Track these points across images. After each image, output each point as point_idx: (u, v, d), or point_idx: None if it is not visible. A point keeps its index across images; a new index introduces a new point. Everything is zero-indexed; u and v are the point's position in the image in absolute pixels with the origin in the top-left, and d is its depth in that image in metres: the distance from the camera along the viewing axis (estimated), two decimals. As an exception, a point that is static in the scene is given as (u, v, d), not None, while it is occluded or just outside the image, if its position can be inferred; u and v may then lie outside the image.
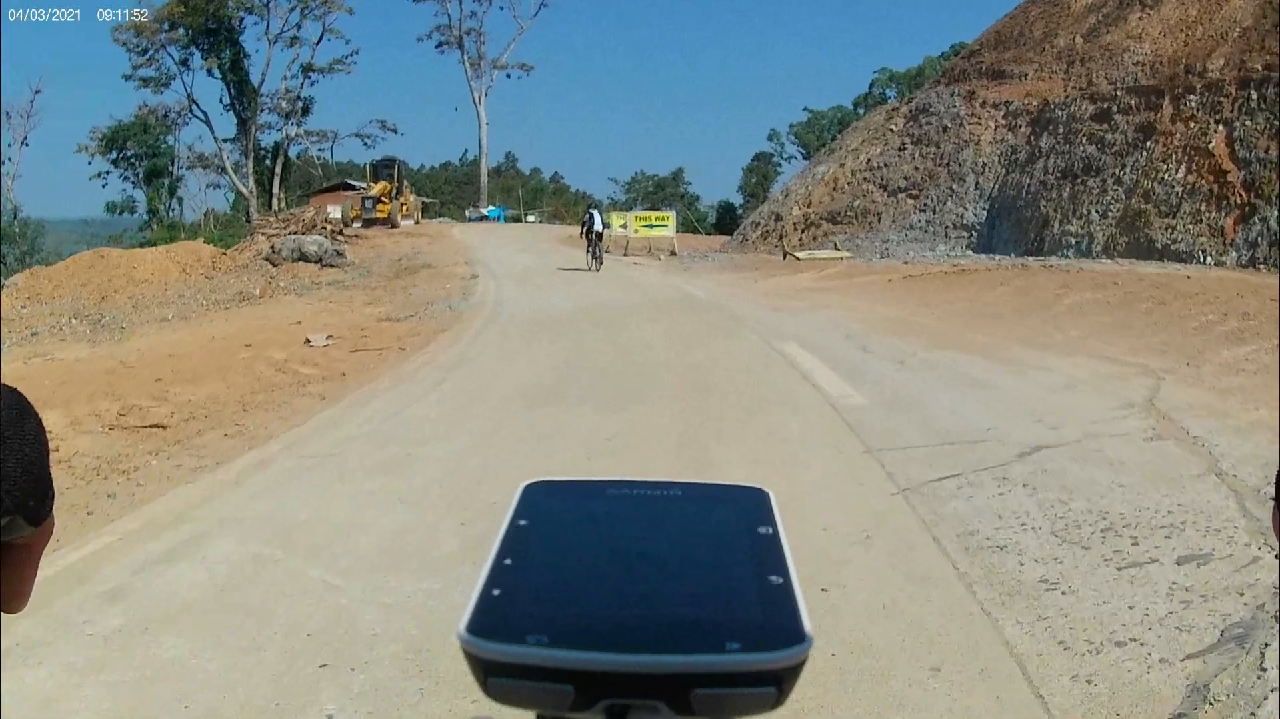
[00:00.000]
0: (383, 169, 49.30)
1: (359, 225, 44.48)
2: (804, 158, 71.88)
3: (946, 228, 30.12)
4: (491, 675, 0.49)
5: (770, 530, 0.60)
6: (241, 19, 63.88)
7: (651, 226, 35.96)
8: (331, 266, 30.60)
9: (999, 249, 26.80)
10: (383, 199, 46.60)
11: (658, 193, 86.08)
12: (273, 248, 32.71)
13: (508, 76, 74.95)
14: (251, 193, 64.78)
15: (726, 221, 67.31)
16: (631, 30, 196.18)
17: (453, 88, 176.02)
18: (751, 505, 0.63)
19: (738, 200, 78.60)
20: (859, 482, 6.75)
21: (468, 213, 68.04)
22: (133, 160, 62.77)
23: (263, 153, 67.45)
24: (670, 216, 37.61)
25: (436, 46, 72.55)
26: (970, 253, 27.31)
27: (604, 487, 0.65)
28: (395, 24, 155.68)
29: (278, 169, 66.35)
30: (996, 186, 29.39)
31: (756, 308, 18.25)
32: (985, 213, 29.33)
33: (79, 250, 37.63)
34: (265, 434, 9.27)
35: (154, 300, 26.97)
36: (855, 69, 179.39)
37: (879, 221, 32.26)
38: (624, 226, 35.78)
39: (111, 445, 8.92)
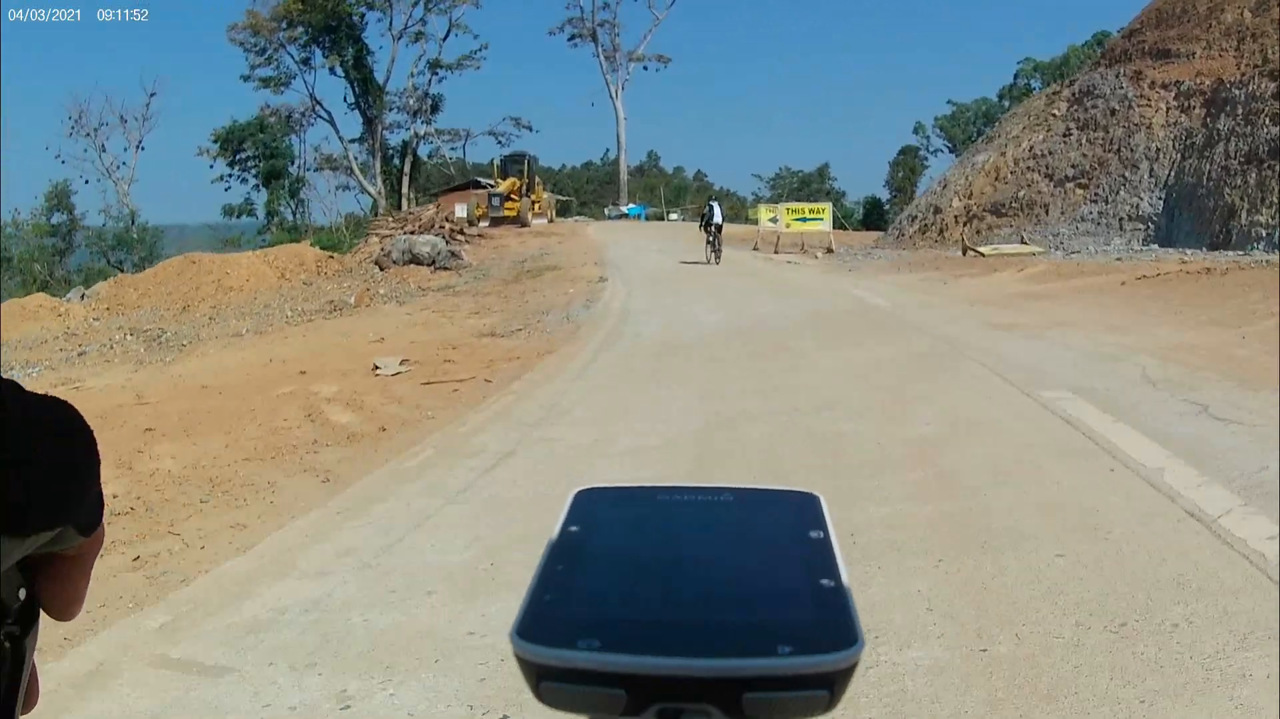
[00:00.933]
0: (512, 165, 45.31)
1: (486, 224, 40.59)
2: (950, 150, 71.78)
3: (1120, 219, 27.76)
4: (544, 680, 0.48)
5: (822, 535, 0.58)
6: (363, 14, 60.74)
7: (805, 220, 31.21)
8: (445, 269, 26.50)
9: (1180, 242, 24.88)
10: (512, 196, 42.53)
11: (803, 189, 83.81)
12: (383, 250, 28.79)
13: (644, 69, 70.46)
14: (380, 193, 61.71)
15: (874, 217, 65.29)
16: (770, 22, 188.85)
17: (589, 82, 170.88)
18: (803, 509, 0.61)
19: (884, 195, 76.09)
20: None
21: (607, 211, 64.11)
22: (250, 162, 60.12)
23: (390, 152, 64.37)
24: (826, 209, 32.65)
25: (569, 39, 68.61)
26: (1155, 246, 25.20)
27: (655, 492, 0.64)
28: (525, 18, 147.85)
29: (406, 168, 63.10)
30: (1173, 173, 27.33)
31: (969, 325, 12.95)
32: (1161, 203, 27.27)
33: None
34: (133, 599, 4.78)
35: (237, 310, 23.18)
36: (998, 60, 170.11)
37: (1046, 213, 29.89)
38: (774, 220, 31.12)
39: None
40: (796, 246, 29.74)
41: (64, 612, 0.56)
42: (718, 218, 26.81)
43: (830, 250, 28.72)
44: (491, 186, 43.88)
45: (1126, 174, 28.55)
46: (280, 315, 21.11)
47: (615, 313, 16.17)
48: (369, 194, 62.80)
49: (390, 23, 61.61)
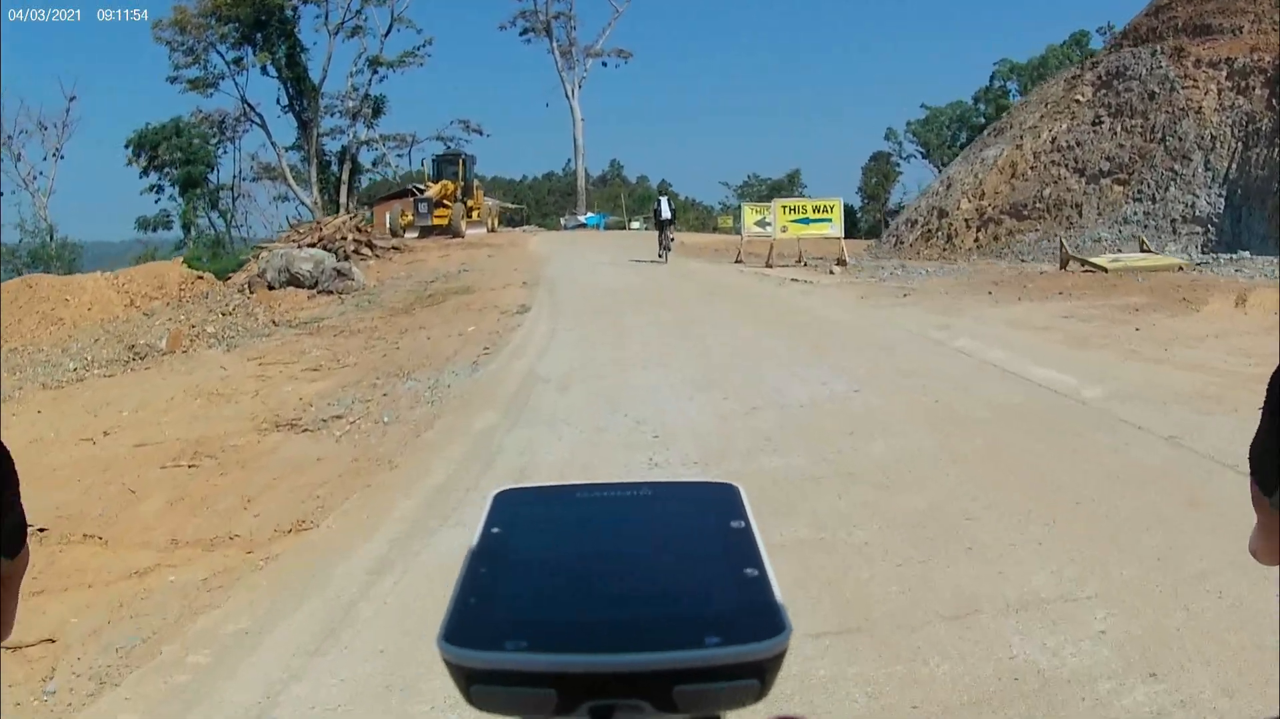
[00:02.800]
0: (445, 166, 38.57)
1: (415, 235, 34.12)
2: (923, 156, 70.31)
3: (1173, 221, 23.31)
4: (474, 683, 0.47)
5: (743, 524, 0.57)
6: (295, 7, 53.74)
7: (807, 221, 23.58)
8: (328, 293, 19.97)
9: (1251, 246, 20.85)
10: (444, 202, 35.86)
11: (772, 197, 78.02)
12: (259, 269, 22.23)
13: (604, 65, 63.51)
14: (316, 203, 54.80)
15: (847, 224, 58.54)
16: (732, 19, 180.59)
17: (545, 81, 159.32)
18: (722, 500, 0.60)
19: (856, 202, 72.66)
20: None
21: (564, 220, 57.61)
22: (168, 169, 52.90)
23: (328, 159, 57.49)
24: (835, 206, 24.30)
25: (521, 34, 61.65)
26: (1228, 254, 20.48)
27: (574, 490, 0.62)
28: (473, 12, 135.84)
29: (345, 176, 56.20)
30: (1234, 166, 23.08)
31: None
32: (1223, 200, 22.93)
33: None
34: None
35: (29, 356, 16.60)
36: (972, 63, 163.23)
37: (1079, 214, 25.42)
38: (764, 224, 24.32)
39: None
40: (794, 257, 23.43)
41: None
42: (666, 213, 25.10)
43: (843, 263, 22.07)
44: (420, 192, 37.13)
45: (1176, 167, 23.92)
46: (65, 367, 14.59)
47: (515, 380, 9.53)
48: (305, 205, 55.95)
49: (326, 17, 54.85)
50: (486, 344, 11.57)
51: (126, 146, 51.89)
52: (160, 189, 53.06)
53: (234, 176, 57.39)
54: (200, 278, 23.91)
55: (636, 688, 0.45)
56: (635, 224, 58.97)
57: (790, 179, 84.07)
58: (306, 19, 55.76)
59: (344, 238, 25.53)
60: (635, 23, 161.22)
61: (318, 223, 29.08)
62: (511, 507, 0.60)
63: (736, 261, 23.78)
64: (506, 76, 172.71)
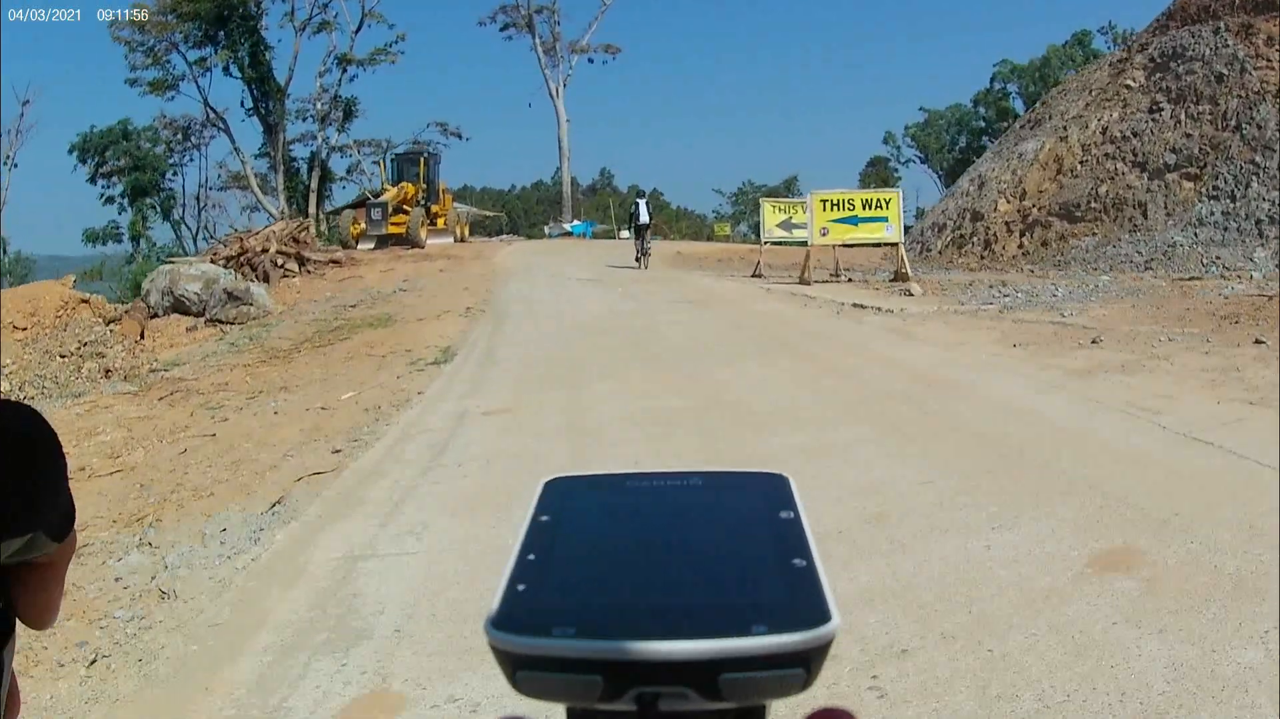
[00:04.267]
0: (406, 166, 33.49)
1: (371, 246, 29.36)
2: (922, 160, 68.19)
3: (1258, 222, 19.58)
4: (520, 669, 0.47)
5: (792, 515, 0.57)
6: (260, 2, 48.90)
7: (855, 221, 17.36)
8: (218, 321, 15.29)
9: None
10: (404, 207, 31.01)
11: None
12: (144, 290, 17.51)
13: (590, 61, 58.40)
14: (283, 213, 49.92)
15: None
16: (723, 18, 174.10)
17: (529, 81, 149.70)
18: (772, 491, 0.59)
19: None
20: None
21: (548, 229, 52.79)
22: (116, 176, 47.78)
23: (295, 166, 52.70)
24: (893, 199, 18.05)
25: (502, 29, 56.76)
26: None
27: (624, 479, 0.62)
28: (450, 7, 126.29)
29: (314, 184, 51.33)
30: None
31: None
32: None
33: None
34: None
35: None
36: (970, 66, 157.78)
37: (1143, 215, 21.75)
38: (789, 227, 19.19)
39: None
40: (824, 268, 18.10)
41: (39, 620, 0.55)
42: (644, 217, 23.45)
43: (905, 277, 16.48)
44: (370, 198, 32.11)
45: (1257, 159, 20.33)
46: None
47: (304, 602, 4.40)
48: (272, 214, 51.09)
49: (292, 11, 50.04)
50: (342, 443, 6.77)
51: (70, 152, 46.83)
52: (111, 199, 48.17)
53: (200, 185, 52.63)
54: (85, 301, 19.10)
55: (683, 675, 0.45)
56: (625, 233, 54.09)
57: (787, 185, 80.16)
58: (273, 16, 50.51)
59: (265, 250, 20.78)
60: (621, 21, 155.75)
61: (238, 234, 24.17)
62: (560, 495, 0.59)
63: (755, 276, 18.86)
64: (487, 75, 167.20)
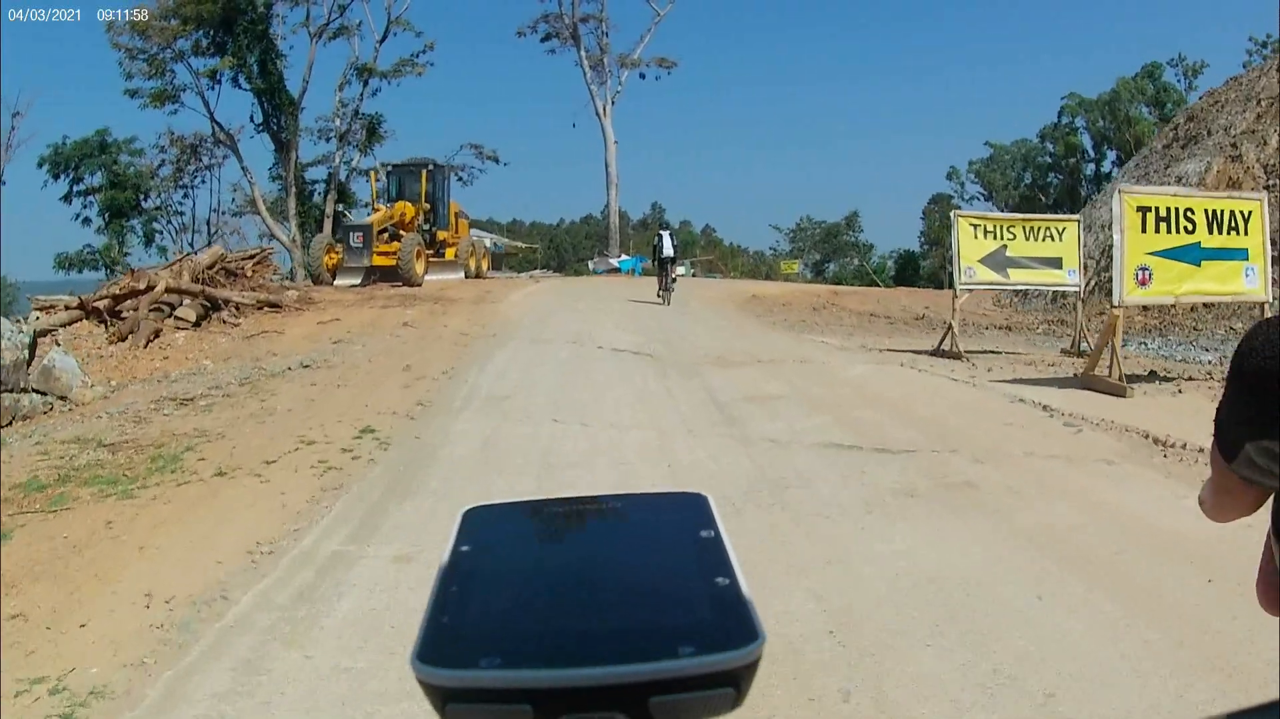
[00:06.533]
0: (407, 180, 26.06)
1: (355, 281, 22.38)
2: (985, 198, 64.45)
3: None
4: (449, 702, 0.46)
5: (712, 533, 0.56)
6: (270, 4, 42.25)
7: (1195, 258, 9.00)
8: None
9: None
10: (400, 231, 23.86)
11: (827, 241, 75.56)
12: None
13: (641, 77, 51.24)
14: (294, 240, 43.33)
15: (908, 273, 56.90)
16: (785, 45, 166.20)
17: (573, 97, 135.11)
18: (691, 510, 0.59)
19: (916, 247, 67.03)
20: None
21: (592, 264, 45.73)
22: (93, 194, 40.88)
23: (309, 188, 46.05)
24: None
25: (543, 39, 49.94)
26: None
27: (543, 505, 0.62)
28: (486, 16, 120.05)
29: (329, 209, 44.53)
30: None
31: None
32: None
33: None
34: None
35: None
36: (1036, 101, 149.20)
37: None
38: (1009, 264, 12.02)
39: None
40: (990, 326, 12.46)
41: None
42: (668, 250, 22.31)
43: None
44: (347, 219, 24.82)
45: None
46: None
47: None
48: (279, 240, 44.33)
49: (307, 15, 43.57)
50: None
51: (40, 166, 40.12)
52: (89, 220, 41.49)
53: (211, 210, 46.20)
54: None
55: (613, 700, 0.44)
56: (680, 269, 46.88)
57: (848, 222, 76.19)
58: (286, 22, 43.89)
59: (149, 289, 13.77)
60: (674, 37, 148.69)
61: (133, 272, 16.88)
62: (480, 524, 0.58)
63: (941, 352, 11.64)
64: (528, 91, 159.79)
